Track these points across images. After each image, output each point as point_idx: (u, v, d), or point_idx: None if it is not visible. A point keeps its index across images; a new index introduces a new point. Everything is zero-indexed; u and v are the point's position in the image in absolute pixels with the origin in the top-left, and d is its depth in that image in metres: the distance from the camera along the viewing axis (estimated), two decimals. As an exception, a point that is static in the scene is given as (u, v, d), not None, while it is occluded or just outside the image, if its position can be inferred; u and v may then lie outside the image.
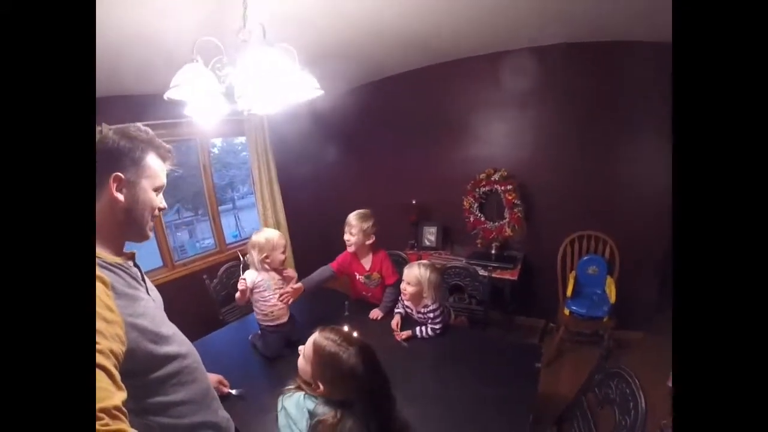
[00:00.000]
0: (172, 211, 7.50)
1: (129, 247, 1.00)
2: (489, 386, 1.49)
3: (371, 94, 3.63)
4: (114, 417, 0.54)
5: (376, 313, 2.12)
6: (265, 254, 1.82)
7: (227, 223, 6.51)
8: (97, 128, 2.20)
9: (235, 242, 3.81)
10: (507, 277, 2.84)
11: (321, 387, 1.06)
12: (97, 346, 0.60)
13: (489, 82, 2.99)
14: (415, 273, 1.90)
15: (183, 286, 2.92)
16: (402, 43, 2.52)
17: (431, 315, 1.89)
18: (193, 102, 1.39)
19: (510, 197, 2.94)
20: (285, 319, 1.87)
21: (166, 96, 1.31)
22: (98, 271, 0.75)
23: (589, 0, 1.93)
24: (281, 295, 1.85)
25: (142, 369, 0.81)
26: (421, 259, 2.53)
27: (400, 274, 2.01)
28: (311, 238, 4.01)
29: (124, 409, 0.57)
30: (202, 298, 2.45)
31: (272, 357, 1.77)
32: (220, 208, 3.76)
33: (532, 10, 2.05)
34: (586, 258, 2.78)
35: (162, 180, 0.94)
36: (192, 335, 1.20)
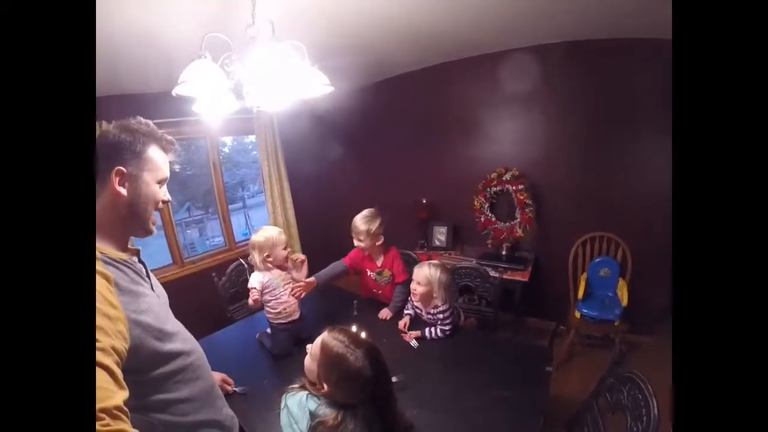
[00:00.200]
0: (183, 209, 7.57)
1: (138, 244, 0.99)
2: (498, 389, 1.47)
3: (381, 91, 3.61)
4: (115, 417, 0.53)
5: (385, 313, 2.11)
6: (266, 253, 1.81)
7: (237, 222, 6.55)
8: (97, 124, 2.22)
9: (245, 240, 3.82)
10: (518, 278, 2.80)
11: (325, 387, 1.06)
12: (98, 344, 0.59)
13: (500, 80, 2.94)
14: (426, 273, 1.88)
15: (192, 284, 2.94)
16: (413, 40, 2.50)
17: (441, 316, 1.86)
18: (201, 98, 1.39)
19: (521, 197, 2.90)
20: (296, 315, 1.87)
21: (174, 92, 1.31)
22: (101, 267, 0.75)
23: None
24: (293, 289, 1.84)
25: (145, 366, 0.80)
26: (431, 259, 2.51)
27: (411, 273, 1.99)
28: (320, 236, 4.01)
29: (125, 408, 0.56)
30: (210, 295, 2.46)
31: (280, 355, 1.77)
32: (230, 206, 3.79)
33: (538, 6, 2.01)
34: (598, 260, 2.73)
35: (165, 172, 0.93)
36: (200, 333, 1.20)
